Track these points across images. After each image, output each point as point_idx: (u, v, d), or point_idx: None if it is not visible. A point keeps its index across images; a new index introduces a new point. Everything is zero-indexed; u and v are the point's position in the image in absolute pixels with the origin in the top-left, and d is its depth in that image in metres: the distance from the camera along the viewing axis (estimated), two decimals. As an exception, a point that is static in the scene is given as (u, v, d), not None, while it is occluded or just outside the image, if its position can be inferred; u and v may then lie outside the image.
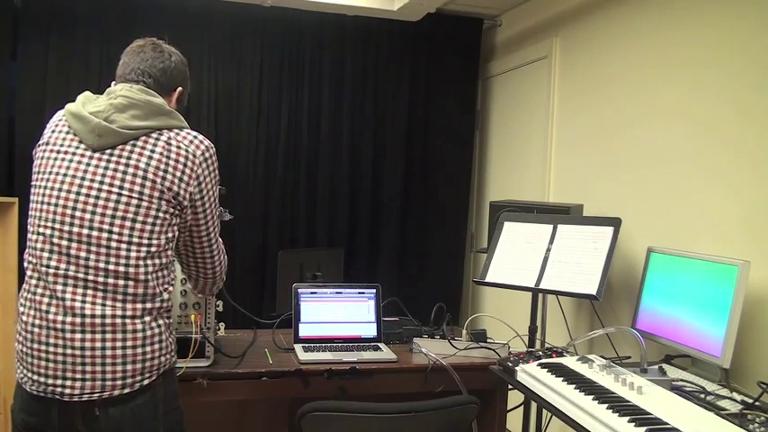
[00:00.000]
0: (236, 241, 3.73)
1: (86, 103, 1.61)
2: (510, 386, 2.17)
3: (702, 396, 1.85)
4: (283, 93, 3.86)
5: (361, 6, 3.52)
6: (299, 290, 2.55)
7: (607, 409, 1.56)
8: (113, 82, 1.73)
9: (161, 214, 1.57)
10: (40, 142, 1.64)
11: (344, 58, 3.93)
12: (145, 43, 1.74)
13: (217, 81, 3.73)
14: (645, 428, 1.44)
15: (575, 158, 3.23)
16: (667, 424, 1.47)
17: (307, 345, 2.45)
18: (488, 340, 2.53)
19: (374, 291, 2.61)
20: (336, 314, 2.56)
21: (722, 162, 2.29)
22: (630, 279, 2.68)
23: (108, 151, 1.55)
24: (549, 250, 2.50)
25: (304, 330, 2.51)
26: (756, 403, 1.78)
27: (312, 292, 2.56)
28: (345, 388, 2.27)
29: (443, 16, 3.93)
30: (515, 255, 2.59)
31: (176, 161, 1.59)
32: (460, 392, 2.27)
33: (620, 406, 1.57)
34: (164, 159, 1.58)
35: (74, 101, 1.64)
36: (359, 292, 2.61)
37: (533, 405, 2.89)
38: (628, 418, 1.49)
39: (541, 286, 2.44)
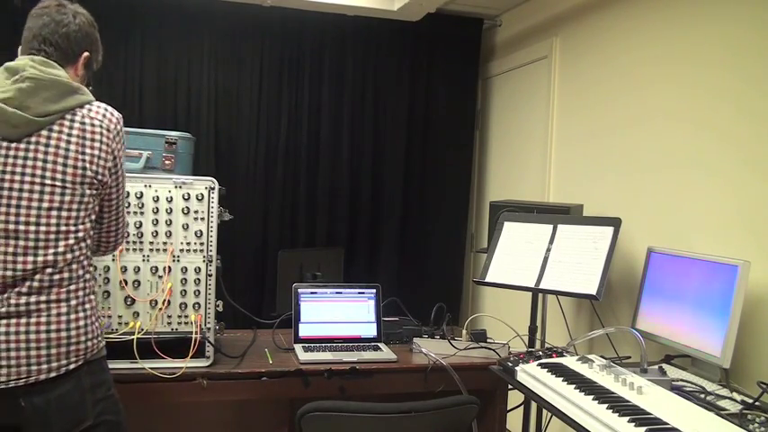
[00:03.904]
0: (236, 241, 3.72)
1: None
2: (510, 386, 2.18)
3: (702, 396, 1.84)
4: (283, 93, 3.85)
5: (361, 6, 3.52)
6: (299, 290, 2.55)
7: (607, 409, 1.56)
8: (20, 48, 1.68)
9: (85, 199, 1.57)
10: None
11: (344, 58, 3.93)
12: (49, 4, 1.66)
13: (217, 81, 3.73)
14: (645, 428, 1.44)
15: (574, 158, 3.23)
16: (667, 424, 1.47)
17: (307, 345, 2.45)
18: (488, 340, 2.53)
19: (374, 291, 2.61)
20: (336, 314, 2.56)
21: (722, 162, 2.29)
22: (630, 279, 2.68)
23: (25, 140, 1.52)
24: (549, 250, 2.50)
25: (304, 330, 2.51)
26: (756, 403, 1.77)
27: (312, 292, 2.56)
28: (345, 388, 2.27)
29: (443, 16, 3.92)
30: (515, 255, 2.58)
31: (92, 140, 1.58)
32: (460, 392, 2.27)
33: (620, 406, 1.57)
34: (81, 142, 1.57)
35: None
36: (359, 292, 2.61)
37: (533, 405, 2.89)
38: (628, 418, 1.49)
39: (541, 286, 2.44)
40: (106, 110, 1.65)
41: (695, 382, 1.98)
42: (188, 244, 2.19)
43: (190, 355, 2.10)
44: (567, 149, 3.32)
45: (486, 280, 2.60)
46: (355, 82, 3.96)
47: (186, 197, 2.19)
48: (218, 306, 2.22)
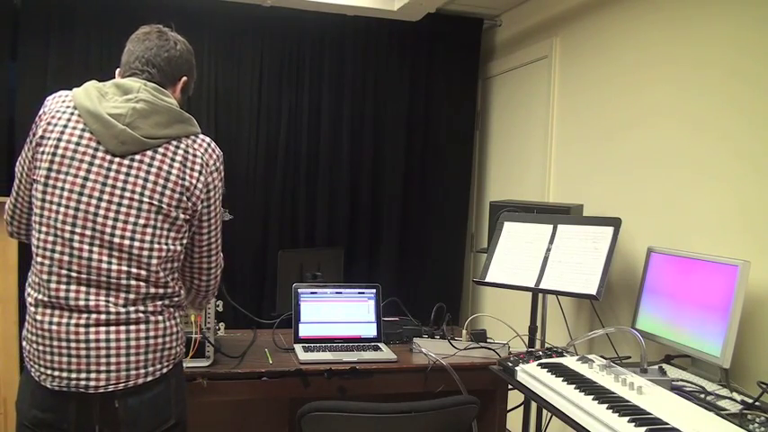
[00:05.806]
0: (236, 241, 3.72)
1: (101, 100, 1.56)
2: (510, 386, 2.18)
3: (702, 396, 1.85)
4: (283, 93, 3.85)
5: (361, 6, 3.52)
6: (299, 290, 2.55)
7: (607, 409, 1.56)
8: (118, 69, 1.72)
9: (178, 222, 1.60)
10: (49, 134, 1.55)
11: (344, 58, 3.93)
12: (150, 30, 1.72)
13: (217, 81, 3.73)
14: (645, 428, 1.44)
15: (575, 158, 3.23)
16: (667, 424, 1.47)
17: (307, 345, 2.45)
18: (488, 340, 2.53)
19: (374, 291, 2.61)
20: (336, 314, 2.56)
21: (722, 162, 2.29)
22: (630, 279, 2.68)
23: (129, 157, 1.55)
24: (549, 250, 2.50)
25: (304, 330, 2.51)
26: (756, 403, 1.77)
27: (312, 292, 2.56)
28: (345, 388, 2.27)
29: (443, 16, 3.92)
30: (515, 255, 2.58)
31: (192, 170, 1.61)
32: (460, 392, 2.27)
33: (620, 406, 1.57)
34: (182, 169, 1.60)
35: (77, 86, 1.60)
36: (359, 292, 2.61)
37: (533, 405, 2.89)
38: (628, 418, 1.49)
39: (541, 286, 2.44)
40: (209, 145, 1.68)
41: (695, 382, 1.98)
42: (188, 244, 2.19)
43: (190, 355, 2.10)
44: (567, 149, 3.32)
45: (486, 280, 2.60)
46: (355, 82, 3.96)
47: (186, 197, 2.18)
48: (218, 306, 2.22)
